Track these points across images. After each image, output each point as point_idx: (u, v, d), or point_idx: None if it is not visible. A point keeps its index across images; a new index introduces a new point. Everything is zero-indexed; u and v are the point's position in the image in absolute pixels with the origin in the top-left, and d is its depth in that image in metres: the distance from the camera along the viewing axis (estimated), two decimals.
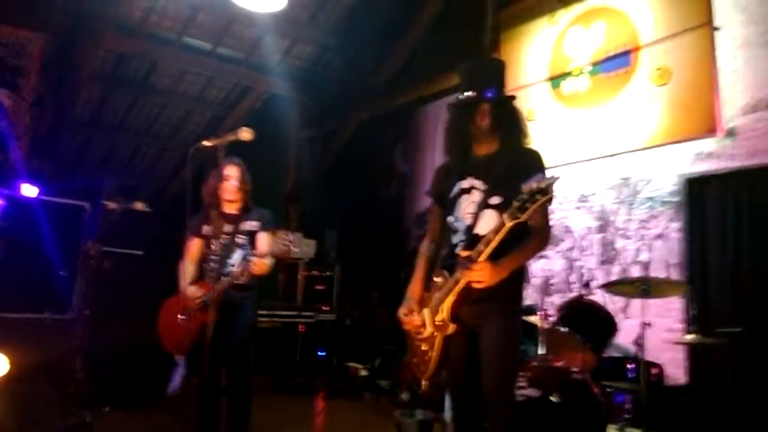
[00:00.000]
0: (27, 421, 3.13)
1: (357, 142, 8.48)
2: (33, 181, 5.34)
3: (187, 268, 3.61)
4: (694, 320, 3.99)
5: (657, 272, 4.70)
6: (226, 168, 3.53)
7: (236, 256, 3.50)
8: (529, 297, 4.54)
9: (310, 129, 9.04)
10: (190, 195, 3.07)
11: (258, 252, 3.40)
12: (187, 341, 3.42)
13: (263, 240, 3.56)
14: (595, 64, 5.39)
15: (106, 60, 7.86)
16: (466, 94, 2.61)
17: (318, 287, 7.46)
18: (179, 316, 3.47)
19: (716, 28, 4.55)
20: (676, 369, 4.41)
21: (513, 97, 2.71)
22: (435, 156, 6.86)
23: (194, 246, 3.63)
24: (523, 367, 3.89)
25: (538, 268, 5.58)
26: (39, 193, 5.24)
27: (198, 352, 3.00)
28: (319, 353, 6.81)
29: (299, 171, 8.98)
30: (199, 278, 3.58)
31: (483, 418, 2.42)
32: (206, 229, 3.56)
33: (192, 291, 3.49)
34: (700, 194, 4.65)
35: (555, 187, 2.16)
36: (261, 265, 3.30)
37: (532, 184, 2.13)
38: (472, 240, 2.46)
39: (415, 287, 2.74)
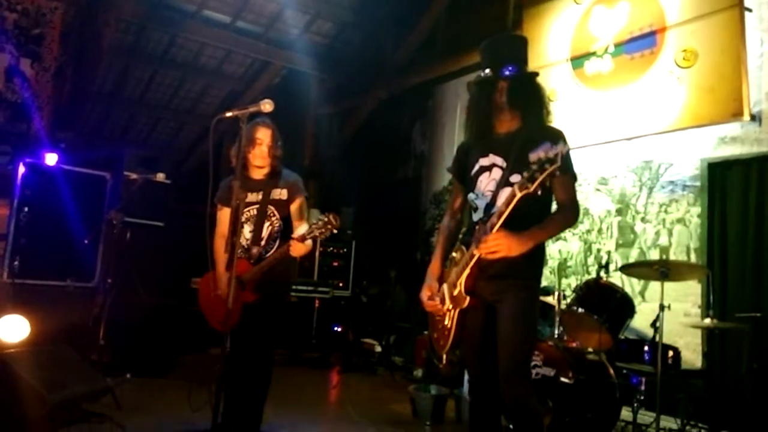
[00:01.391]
0: (53, 383, 3.20)
1: (375, 120, 8.45)
2: (55, 150, 5.37)
3: (220, 248, 3.30)
4: (712, 305, 3.97)
5: (676, 256, 4.68)
6: (258, 131, 3.28)
7: (266, 229, 3.33)
8: (545, 278, 4.55)
9: (328, 106, 9.03)
10: (212, 166, 2.96)
11: (297, 236, 3.11)
12: (231, 320, 3.12)
13: (300, 217, 3.34)
14: (618, 45, 5.30)
15: (127, 32, 7.88)
16: (485, 72, 2.61)
17: (334, 263, 7.54)
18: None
19: (748, 9, 4.45)
20: (692, 353, 4.40)
21: (535, 74, 2.68)
22: (453, 135, 6.82)
23: (225, 217, 3.33)
24: (539, 346, 3.91)
25: (555, 249, 5.57)
26: (61, 162, 5.27)
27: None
28: (335, 328, 6.89)
29: (317, 147, 8.98)
30: (230, 256, 3.24)
31: (499, 393, 2.43)
32: (234, 198, 3.24)
33: (225, 285, 3.15)
34: (721, 178, 4.59)
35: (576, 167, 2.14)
36: (301, 248, 3.09)
37: (540, 153, 2.12)
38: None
39: (434, 265, 2.74)
